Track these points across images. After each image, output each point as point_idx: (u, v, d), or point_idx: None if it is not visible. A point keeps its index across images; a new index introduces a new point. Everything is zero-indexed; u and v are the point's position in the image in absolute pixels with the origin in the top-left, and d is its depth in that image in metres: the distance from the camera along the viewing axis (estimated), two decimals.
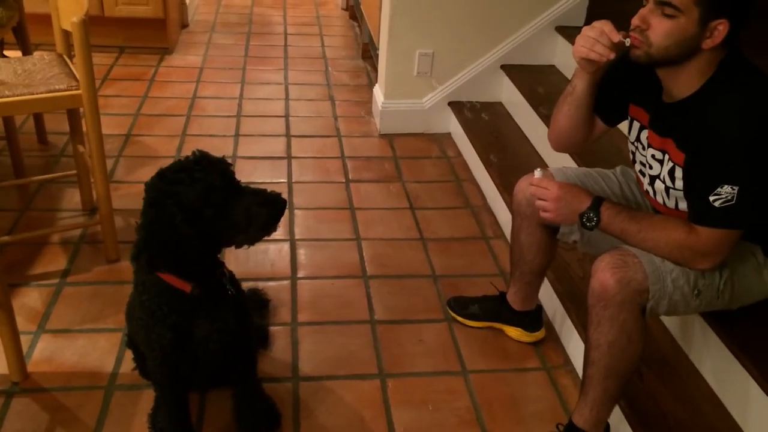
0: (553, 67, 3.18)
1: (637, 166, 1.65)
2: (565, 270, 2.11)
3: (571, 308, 1.98)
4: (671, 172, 1.50)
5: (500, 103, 3.26)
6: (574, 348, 1.98)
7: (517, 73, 3.13)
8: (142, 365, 1.69)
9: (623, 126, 2.46)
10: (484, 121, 3.10)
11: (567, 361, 2.01)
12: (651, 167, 1.57)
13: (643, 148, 1.59)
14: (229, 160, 2.91)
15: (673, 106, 1.49)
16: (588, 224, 1.52)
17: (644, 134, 1.59)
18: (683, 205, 1.51)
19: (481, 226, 2.64)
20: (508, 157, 2.81)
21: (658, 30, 1.39)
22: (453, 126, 3.26)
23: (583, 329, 1.88)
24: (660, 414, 1.65)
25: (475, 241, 2.55)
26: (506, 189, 2.52)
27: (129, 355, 1.86)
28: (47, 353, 1.91)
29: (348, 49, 4.38)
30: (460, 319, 2.12)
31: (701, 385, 1.74)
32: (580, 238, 1.78)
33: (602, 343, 1.49)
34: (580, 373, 1.91)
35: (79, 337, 1.97)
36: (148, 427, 1.68)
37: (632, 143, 1.65)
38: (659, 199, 1.58)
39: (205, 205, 1.30)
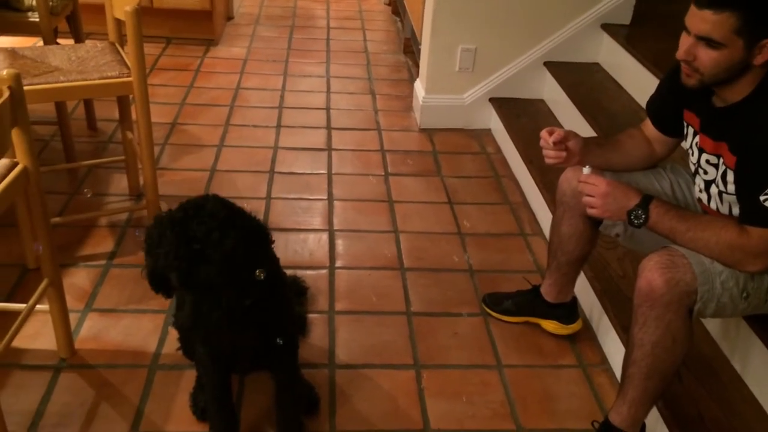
0: (597, 65, 3.15)
1: (693, 172, 1.64)
2: (604, 268, 2.10)
3: (609, 307, 1.96)
4: (724, 176, 1.48)
5: (542, 101, 3.24)
6: (611, 347, 1.97)
7: (561, 70, 3.10)
8: (186, 346, 1.73)
9: None
10: (526, 118, 3.08)
11: (603, 360, 2.00)
12: (706, 172, 1.55)
13: (698, 154, 1.58)
14: (271, 151, 2.99)
15: (725, 111, 1.48)
16: (636, 222, 1.50)
17: (697, 139, 1.58)
18: (737, 211, 1.49)
19: (519, 222, 2.63)
20: None
21: (705, 61, 1.41)
22: (494, 122, 3.25)
23: (621, 328, 1.87)
24: (698, 416, 1.63)
25: (513, 237, 2.55)
26: (546, 186, 2.51)
27: (172, 336, 1.93)
28: (94, 331, 1.97)
29: (390, 43, 4.40)
30: (494, 314, 2.13)
31: (742, 390, 1.71)
32: (623, 233, 1.77)
33: (646, 343, 1.48)
34: (617, 372, 1.92)
35: (124, 317, 2.03)
36: (190, 405, 1.73)
37: (688, 149, 1.64)
38: (713, 205, 1.56)
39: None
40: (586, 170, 1.62)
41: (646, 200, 1.50)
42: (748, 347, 1.71)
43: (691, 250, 1.46)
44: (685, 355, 1.51)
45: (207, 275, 1.28)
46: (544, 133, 1.72)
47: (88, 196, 2.27)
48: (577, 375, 1.94)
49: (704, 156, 1.55)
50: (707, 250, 1.45)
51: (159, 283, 1.35)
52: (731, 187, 1.47)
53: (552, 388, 1.90)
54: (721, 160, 1.49)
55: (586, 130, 2.64)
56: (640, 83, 2.72)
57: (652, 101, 1.78)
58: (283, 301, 1.57)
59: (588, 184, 1.57)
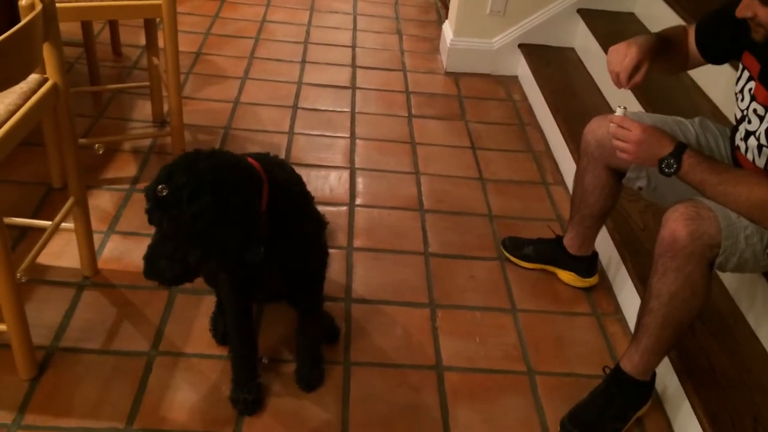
0: (632, 15, 3.07)
1: (738, 118, 1.59)
2: (625, 220, 2.09)
3: (627, 258, 1.96)
4: None
5: (572, 49, 3.18)
6: (626, 297, 1.99)
7: (594, 18, 3.03)
8: (209, 274, 1.75)
9: (706, 81, 2.39)
10: (554, 67, 3.03)
11: (617, 310, 2.01)
12: (750, 121, 1.51)
13: (746, 100, 1.53)
14: (295, 86, 2.97)
15: None
16: (667, 170, 1.47)
17: (750, 85, 1.52)
18: None
19: (541, 171, 2.62)
20: (576, 104, 2.75)
21: (763, 16, 1.36)
22: (521, 69, 3.20)
23: (638, 280, 1.88)
24: (709, 368, 1.64)
25: (534, 186, 2.54)
26: (571, 136, 2.48)
27: None
28: (116, 253, 2.00)
29: None
30: (513, 259, 2.13)
31: (756, 346, 1.72)
32: (647, 186, 1.75)
33: (664, 293, 1.47)
34: (630, 323, 1.94)
35: (146, 241, 1.98)
36: (210, 329, 1.77)
37: (738, 93, 1.58)
38: (749, 156, 1.53)
39: None
40: (619, 111, 1.55)
41: (680, 149, 1.47)
42: (765, 304, 1.72)
43: (720, 203, 1.44)
44: (703, 308, 1.51)
45: (163, 223, 1.23)
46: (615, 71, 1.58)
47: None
48: (591, 323, 1.96)
49: (753, 105, 1.49)
50: (736, 206, 1.43)
51: None
52: None
53: (565, 333, 1.92)
54: None
55: None
56: None
57: (707, 25, 1.66)
58: (306, 243, 1.55)
59: (621, 129, 1.52)
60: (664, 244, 1.45)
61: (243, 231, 1.27)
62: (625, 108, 1.56)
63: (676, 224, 1.42)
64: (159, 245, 1.27)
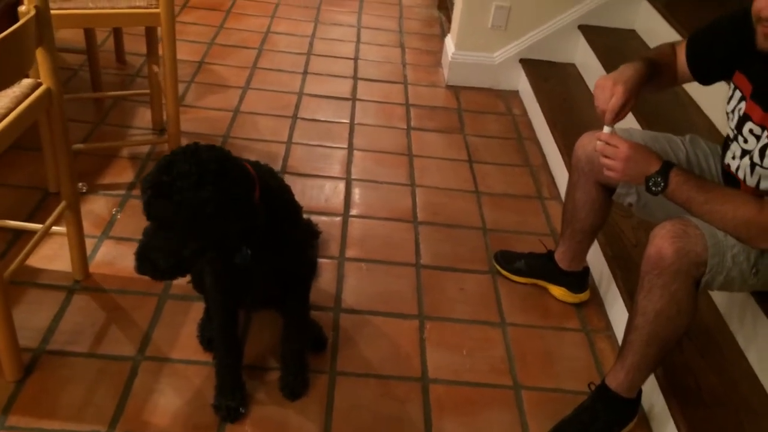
0: (633, 32, 3.08)
1: (731, 137, 1.57)
2: (618, 236, 2.08)
3: (619, 274, 1.96)
4: (763, 150, 1.43)
5: (573, 65, 3.19)
6: (617, 314, 1.97)
7: (595, 34, 3.04)
8: (198, 279, 1.76)
9: (703, 98, 2.39)
10: (555, 82, 3.03)
11: (608, 326, 2.00)
12: (746, 141, 1.49)
13: (737, 120, 1.52)
14: (295, 97, 2.99)
15: None
16: (654, 188, 1.46)
17: (741, 106, 1.51)
18: (766, 185, 1.45)
19: (537, 185, 2.62)
20: (575, 119, 2.75)
21: None
22: (522, 84, 3.21)
23: (629, 296, 1.87)
24: (696, 387, 1.63)
25: (530, 200, 2.53)
26: (569, 151, 2.45)
27: None
28: (108, 257, 2.02)
29: None
30: (504, 272, 2.13)
31: (744, 365, 1.71)
32: (636, 202, 1.75)
33: (649, 311, 1.46)
34: (620, 339, 1.91)
35: None
36: (197, 335, 1.78)
37: (729, 113, 1.57)
38: (740, 174, 1.52)
39: None
40: (607, 129, 1.55)
41: (667, 167, 1.46)
42: (754, 323, 1.70)
43: (706, 222, 1.43)
44: (688, 326, 1.50)
45: (163, 211, 1.22)
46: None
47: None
48: (580, 339, 1.95)
49: (748, 125, 1.48)
50: (722, 224, 1.42)
51: None
52: None
53: (553, 349, 1.91)
54: (766, 133, 1.43)
55: None
56: None
57: (697, 44, 1.65)
58: (295, 250, 1.56)
59: (609, 146, 1.52)
60: (650, 261, 1.45)
61: (242, 222, 1.28)
62: (612, 126, 1.55)
63: (662, 241, 1.42)
64: (153, 238, 1.25)
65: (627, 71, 1.56)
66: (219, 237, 1.27)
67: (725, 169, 1.61)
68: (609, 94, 1.53)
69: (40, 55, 1.53)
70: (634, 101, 1.54)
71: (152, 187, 1.22)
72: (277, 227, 1.45)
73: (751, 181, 1.50)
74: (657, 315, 1.46)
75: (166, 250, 1.24)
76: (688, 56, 1.66)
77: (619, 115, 1.54)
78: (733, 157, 1.55)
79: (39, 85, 1.57)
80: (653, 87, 1.64)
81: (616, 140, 1.51)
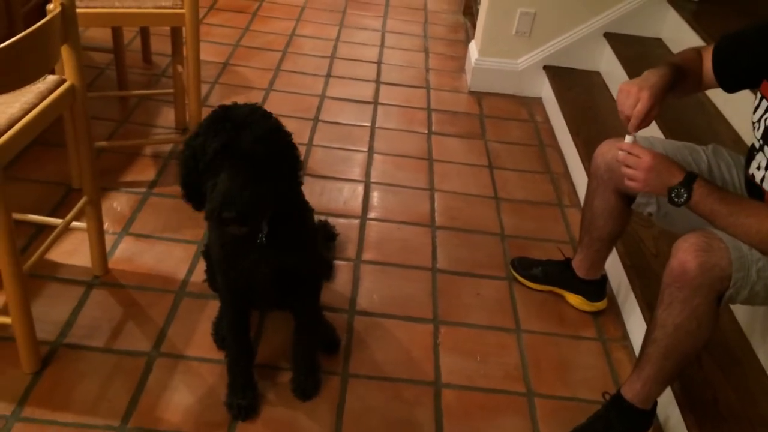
0: (659, 40, 3.04)
1: (757, 147, 1.54)
2: (637, 245, 2.06)
3: (637, 284, 1.93)
4: None
5: (598, 73, 3.16)
6: (634, 324, 1.95)
7: (621, 42, 3.01)
8: (213, 277, 1.78)
9: (728, 107, 2.34)
10: (579, 89, 3.01)
11: (625, 336, 1.98)
12: None
13: (763, 130, 1.49)
14: (317, 99, 3.00)
15: None
16: (677, 200, 1.43)
17: None
18: None
19: (558, 192, 2.60)
20: (598, 128, 2.72)
21: None
22: (545, 91, 3.19)
23: (647, 307, 1.85)
24: (712, 400, 1.60)
25: (550, 207, 2.51)
26: (589, 159, 2.43)
27: (201, 266, 1.98)
28: (127, 254, 2.04)
29: (450, 3, 4.32)
30: (521, 279, 2.11)
31: (763, 381, 1.67)
32: (657, 211, 1.72)
33: (668, 324, 1.43)
34: (637, 349, 1.89)
35: (157, 244, 2.09)
36: (211, 333, 1.79)
37: (756, 122, 1.54)
38: (766, 186, 1.49)
39: (201, 158, 1.32)
40: (629, 139, 1.52)
41: (690, 178, 1.43)
42: None
43: (730, 234, 1.40)
44: (708, 341, 1.46)
45: (246, 146, 1.26)
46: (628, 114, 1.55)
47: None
48: (596, 347, 1.93)
49: None
50: (747, 237, 1.39)
51: (192, 185, 1.36)
52: None
53: (568, 357, 1.89)
54: None
55: None
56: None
57: (725, 51, 1.62)
58: (305, 241, 1.58)
59: (631, 156, 1.49)
60: (672, 275, 1.41)
61: (295, 175, 1.40)
62: (634, 135, 1.52)
63: (686, 255, 1.38)
64: (232, 183, 1.27)
65: (652, 77, 1.53)
66: (285, 179, 1.36)
67: (749, 179, 1.57)
68: (634, 100, 1.50)
69: (65, 52, 1.56)
70: (659, 108, 1.51)
71: (234, 120, 1.28)
72: (287, 224, 1.47)
73: None
74: (676, 329, 1.43)
75: (245, 193, 1.27)
76: (714, 63, 1.63)
77: (643, 122, 1.51)
78: (758, 168, 1.52)
79: (63, 81, 1.60)
80: (678, 92, 1.61)
81: (639, 150, 1.48)
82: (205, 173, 1.32)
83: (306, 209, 1.58)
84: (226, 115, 1.31)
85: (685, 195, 1.42)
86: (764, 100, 1.50)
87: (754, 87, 1.56)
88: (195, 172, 1.34)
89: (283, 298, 1.63)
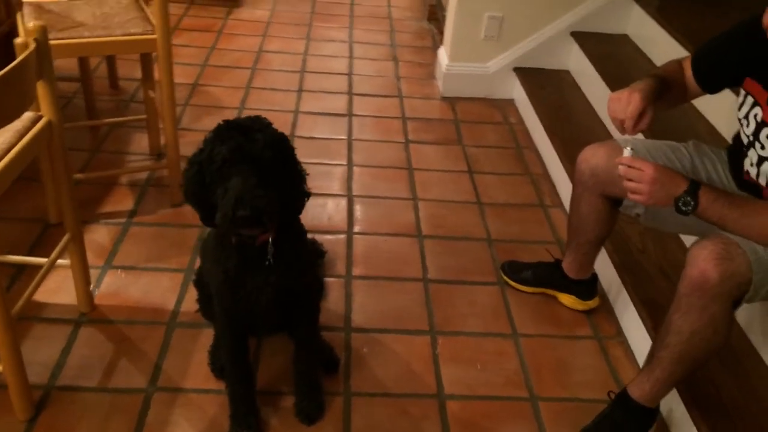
0: (626, 36, 3.09)
1: (746, 144, 1.55)
2: (624, 243, 2.08)
3: (628, 281, 1.95)
4: None
5: (567, 72, 3.19)
6: (628, 320, 1.97)
7: (588, 41, 3.05)
8: (205, 306, 1.75)
9: (703, 102, 2.38)
10: (550, 89, 3.04)
11: (619, 332, 1.99)
12: (763, 147, 1.48)
13: (754, 126, 1.50)
14: (291, 115, 2.98)
15: None
16: (684, 209, 1.42)
17: (757, 111, 1.50)
18: None
19: (539, 193, 2.61)
20: (573, 126, 2.75)
21: None
22: (517, 92, 3.21)
23: (640, 302, 1.87)
24: (716, 395, 1.61)
25: (533, 209, 2.53)
26: (568, 158, 2.48)
27: (190, 295, 1.94)
28: (113, 288, 1.99)
29: (414, 10, 4.34)
30: (512, 283, 2.12)
31: (762, 372, 1.69)
32: (644, 212, 1.73)
33: (684, 331, 1.42)
34: (633, 345, 1.92)
35: (143, 275, 2.05)
36: (208, 363, 1.75)
37: (742, 119, 1.55)
38: (762, 181, 1.51)
39: (208, 169, 1.33)
40: (627, 152, 1.50)
41: (695, 186, 1.42)
42: None
43: (743, 236, 1.40)
44: (722, 346, 1.45)
45: (255, 150, 1.28)
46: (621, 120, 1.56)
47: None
48: (593, 346, 1.94)
49: (766, 131, 1.47)
50: (760, 237, 1.39)
51: (201, 198, 1.36)
52: None
53: (567, 358, 1.90)
54: None
55: None
56: (670, 56, 2.61)
57: (703, 56, 1.66)
58: (301, 256, 1.56)
59: (632, 169, 1.46)
60: (692, 284, 1.39)
61: (299, 184, 1.43)
62: (633, 149, 1.51)
63: (706, 264, 1.37)
64: (244, 185, 1.28)
65: (639, 84, 1.55)
66: (291, 182, 1.39)
67: (744, 176, 1.59)
68: (625, 103, 1.50)
69: (41, 88, 1.52)
70: (652, 112, 1.52)
71: (241, 129, 1.30)
72: (290, 243, 1.46)
73: None
74: (692, 335, 1.42)
75: (259, 192, 1.28)
76: (694, 70, 1.66)
77: (638, 125, 1.52)
78: (752, 165, 1.53)
79: (40, 118, 1.55)
80: (665, 103, 1.62)
81: (640, 163, 1.46)
82: (213, 183, 1.32)
83: (300, 230, 1.56)
84: (231, 125, 1.33)
85: (692, 203, 1.42)
86: (749, 96, 1.53)
87: (737, 85, 1.59)
88: (202, 185, 1.34)
89: (284, 321, 1.61)
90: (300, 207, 1.46)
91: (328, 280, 2.10)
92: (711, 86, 1.65)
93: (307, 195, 1.45)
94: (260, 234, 1.39)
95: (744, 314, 1.81)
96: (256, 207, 1.27)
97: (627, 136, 1.59)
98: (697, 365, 1.48)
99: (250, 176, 1.28)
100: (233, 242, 1.42)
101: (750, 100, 1.52)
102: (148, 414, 1.63)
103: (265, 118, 1.37)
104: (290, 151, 1.40)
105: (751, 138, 1.52)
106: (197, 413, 1.65)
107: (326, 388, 1.73)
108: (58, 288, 1.95)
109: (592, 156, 1.78)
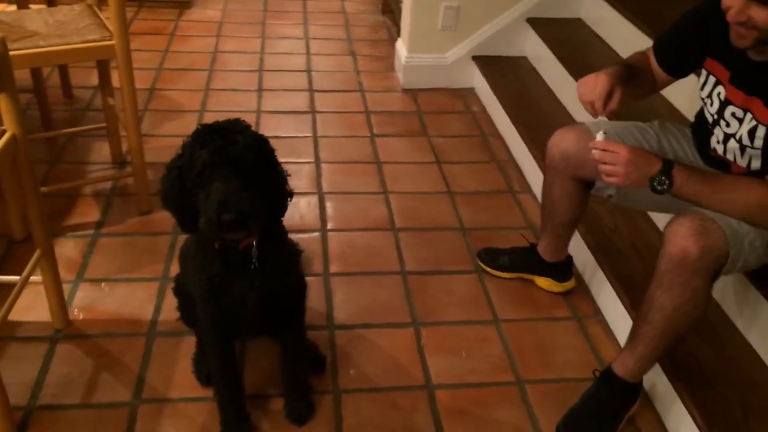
0: (579, 20, 3.14)
1: (711, 122, 1.59)
2: (596, 223, 2.12)
3: (603, 260, 1.99)
4: (752, 132, 1.45)
5: (525, 58, 3.23)
6: (605, 299, 2.01)
7: (543, 26, 3.09)
8: (187, 313, 1.72)
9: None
10: (510, 76, 3.07)
11: (597, 312, 2.04)
12: (728, 125, 1.51)
13: (719, 105, 1.54)
14: (254, 115, 2.94)
15: (763, 65, 1.42)
16: (659, 188, 1.45)
17: (719, 90, 1.54)
18: (756, 164, 1.48)
19: (507, 180, 2.64)
20: (535, 111, 2.79)
21: (762, 19, 1.32)
22: (477, 81, 3.24)
23: (615, 280, 1.91)
24: (697, 367, 1.65)
25: (502, 195, 2.56)
26: (534, 143, 2.52)
27: (168, 303, 1.91)
28: (87, 301, 1.95)
29: (367, 3, 4.33)
30: (489, 270, 2.14)
31: (737, 340, 1.74)
32: (616, 193, 1.77)
33: (667, 306, 1.46)
34: (611, 323, 1.96)
35: (117, 286, 2.01)
36: (193, 371, 1.73)
37: (705, 98, 1.59)
38: (729, 156, 1.54)
39: (189, 174, 1.30)
40: (600, 136, 1.52)
41: (668, 165, 1.45)
42: (745, 300, 1.74)
43: (717, 211, 1.43)
44: (702, 319, 1.49)
45: (236, 152, 1.26)
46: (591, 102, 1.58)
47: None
48: (572, 326, 1.98)
49: (730, 108, 1.50)
50: (735, 212, 1.43)
51: (178, 198, 1.34)
52: (759, 143, 1.44)
53: (548, 340, 1.93)
54: (750, 116, 1.45)
55: (569, 86, 2.64)
56: (624, 38, 2.71)
57: (664, 42, 1.70)
58: (284, 258, 1.54)
59: (607, 152, 1.47)
60: (673, 261, 1.42)
61: (282, 187, 1.41)
62: (605, 132, 1.53)
63: (686, 240, 1.40)
64: (227, 188, 1.25)
65: (606, 68, 1.58)
66: (273, 184, 1.37)
67: (710, 153, 1.64)
68: (593, 85, 1.54)
69: (2, 102, 1.47)
70: (620, 92, 1.55)
71: (222, 133, 1.28)
72: (273, 245, 1.45)
73: (741, 162, 1.53)
74: (675, 310, 1.46)
75: (243, 194, 1.26)
76: (657, 55, 1.70)
77: (608, 104, 1.54)
78: (718, 142, 1.58)
79: (3, 132, 1.50)
80: (634, 89, 1.65)
81: (613, 146, 1.48)
82: (194, 188, 1.29)
83: (282, 230, 1.55)
84: (209, 128, 1.31)
85: (666, 182, 1.45)
86: (711, 75, 1.57)
87: (699, 67, 1.63)
88: (182, 191, 1.32)
89: (270, 323, 1.60)
90: (284, 208, 1.44)
91: (307, 279, 2.08)
92: (676, 71, 1.70)
93: (290, 195, 1.44)
94: (244, 238, 1.37)
95: (718, 286, 1.87)
96: (240, 210, 1.25)
97: (598, 119, 1.62)
98: (679, 339, 1.53)
99: (232, 179, 1.26)
100: (216, 247, 1.40)
101: (712, 79, 1.57)
102: (136, 428, 1.60)
103: (243, 121, 1.35)
104: (271, 152, 1.38)
105: (716, 116, 1.56)
106: (186, 422, 1.62)
107: (315, 387, 1.72)
108: (30, 305, 1.89)
109: (561, 140, 1.81)
